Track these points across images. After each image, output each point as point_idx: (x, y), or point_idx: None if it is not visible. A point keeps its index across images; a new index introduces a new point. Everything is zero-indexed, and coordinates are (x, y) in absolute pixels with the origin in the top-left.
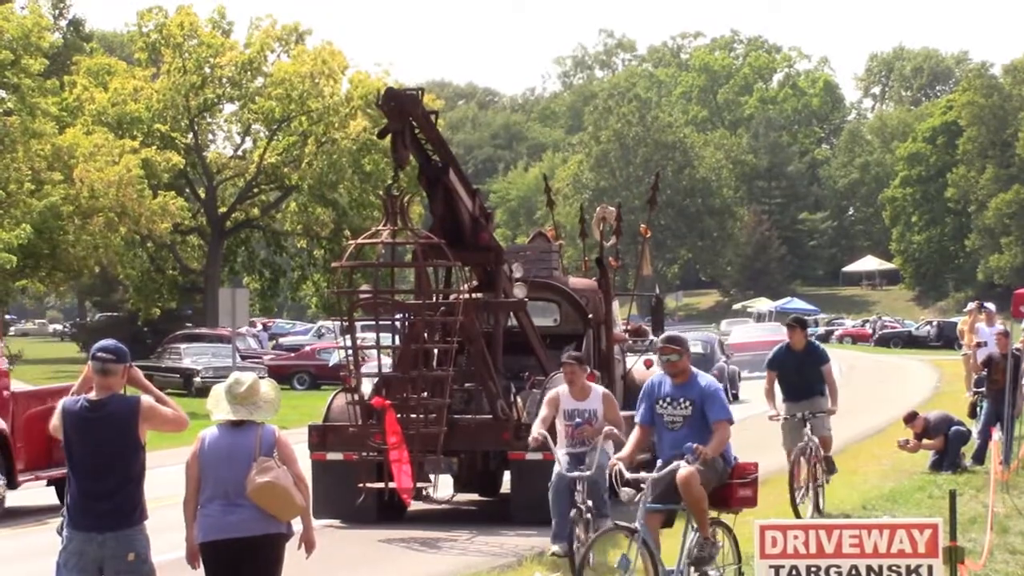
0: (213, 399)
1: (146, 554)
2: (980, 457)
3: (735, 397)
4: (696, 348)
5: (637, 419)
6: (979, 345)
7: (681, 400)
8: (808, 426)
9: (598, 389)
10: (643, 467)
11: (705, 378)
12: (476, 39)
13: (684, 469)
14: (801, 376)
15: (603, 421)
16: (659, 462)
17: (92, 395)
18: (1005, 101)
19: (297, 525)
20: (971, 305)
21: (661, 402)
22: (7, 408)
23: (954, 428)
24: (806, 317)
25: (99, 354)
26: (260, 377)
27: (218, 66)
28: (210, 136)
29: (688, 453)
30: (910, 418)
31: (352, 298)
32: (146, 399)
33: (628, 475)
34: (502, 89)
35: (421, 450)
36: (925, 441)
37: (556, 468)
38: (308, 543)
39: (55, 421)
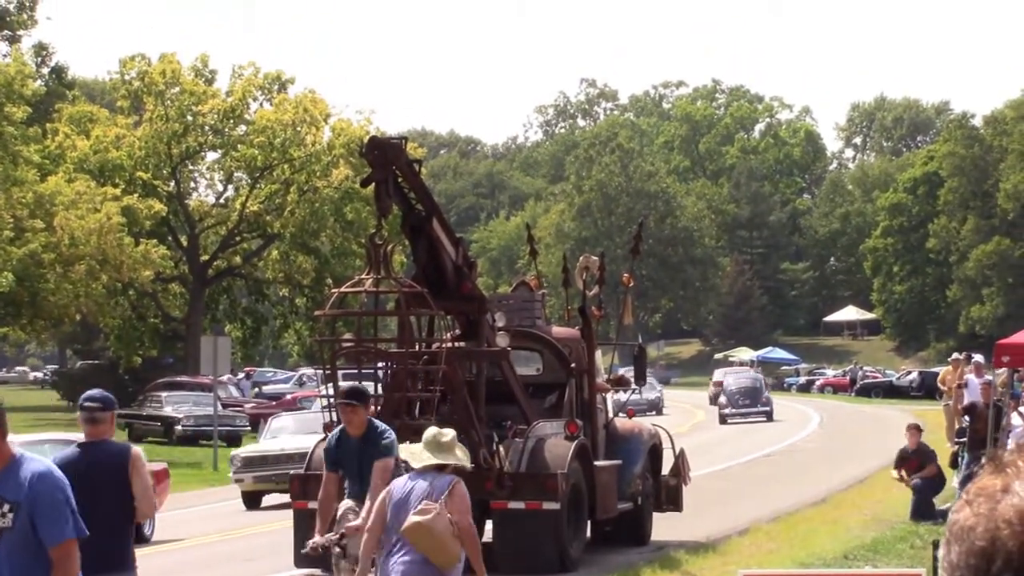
0: (409, 452)
1: None
2: None
3: (770, 418)
4: (746, 383)
5: None
6: (960, 386)
7: None
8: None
9: None
10: None
11: (34, 464)
12: (458, 88)
13: None
14: (363, 472)
15: None
16: None
17: (83, 440)
18: (986, 152)
19: None
20: (955, 356)
21: None
22: None
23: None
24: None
25: (86, 404)
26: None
27: (200, 114)
28: (192, 184)
29: None
30: (900, 464)
31: (334, 346)
32: (137, 449)
33: None
34: (484, 138)
35: None
36: (920, 475)
37: None
38: None
39: None
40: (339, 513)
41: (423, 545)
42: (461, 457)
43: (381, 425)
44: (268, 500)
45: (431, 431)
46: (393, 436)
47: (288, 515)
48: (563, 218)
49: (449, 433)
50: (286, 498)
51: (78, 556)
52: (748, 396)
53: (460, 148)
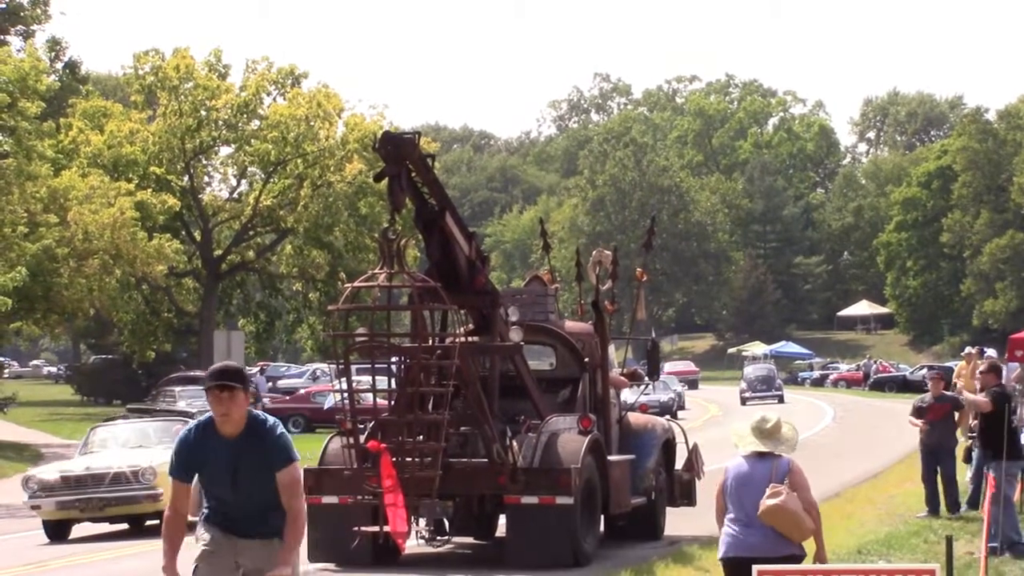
0: (737, 435)
1: None
2: (974, 502)
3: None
4: (762, 372)
5: None
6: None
7: None
8: None
9: None
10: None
11: None
12: (471, 82)
13: None
14: (241, 480)
15: None
16: None
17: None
18: (999, 146)
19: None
20: (968, 349)
21: None
22: None
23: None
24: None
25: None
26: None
27: (214, 109)
28: (206, 178)
29: None
30: (919, 413)
31: (348, 341)
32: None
33: None
34: (497, 132)
35: (416, 494)
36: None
37: None
38: (820, 562)
39: None
40: None
41: (781, 524)
42: (786, 438)
43: (265, 416)
44: (79, 530)
45: (757, 416)
46: (284, 430)
47: (103, 547)
48: (576, 212)
49: (772, 419)
50: (102, 528)
51: None
52: (764, 383)
53: (473, 142)
